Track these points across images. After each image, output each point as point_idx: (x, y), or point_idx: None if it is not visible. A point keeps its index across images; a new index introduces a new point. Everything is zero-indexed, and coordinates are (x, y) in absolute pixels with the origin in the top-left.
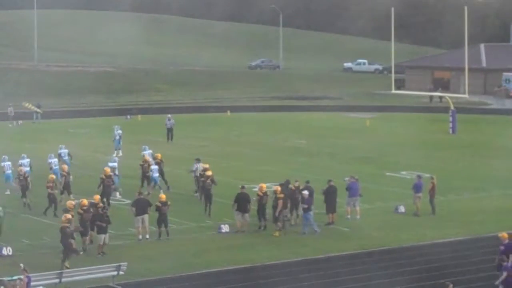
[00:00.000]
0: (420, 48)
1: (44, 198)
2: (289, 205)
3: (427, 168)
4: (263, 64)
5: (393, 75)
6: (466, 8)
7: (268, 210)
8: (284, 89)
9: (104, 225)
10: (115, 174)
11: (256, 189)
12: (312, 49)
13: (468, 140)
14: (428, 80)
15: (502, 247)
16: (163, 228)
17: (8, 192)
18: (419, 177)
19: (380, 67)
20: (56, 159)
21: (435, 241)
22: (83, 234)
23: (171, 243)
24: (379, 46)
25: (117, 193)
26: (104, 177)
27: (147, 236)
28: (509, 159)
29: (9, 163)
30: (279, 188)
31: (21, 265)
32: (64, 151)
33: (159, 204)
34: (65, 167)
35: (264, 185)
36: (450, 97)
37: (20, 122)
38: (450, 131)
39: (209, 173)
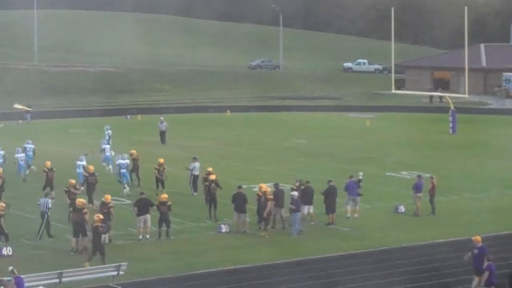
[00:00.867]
0: (420, 48)
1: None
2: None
3: (427, 168)
4: (263, 64)
5: (393, 75)
6: (466, 8)
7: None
8: (284, 89)
9: (110, 223)
10: (124, 170)
11: (256, 189)
12: (312, 49)
13: (468, 140)
14: (428, 80)
15: (475, 251)
16: (163, 228)
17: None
18: (419, 177)
19: (380, 67)
20: (23, 154)
21: (435, 241)
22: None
23: (171, 243)
24: (379, 46)
25: (127, 189)
26: (46, 169)
27: (148, 236)
28: (509, 159)
29: (23, 154)
30: (268, 189)
31: (10, 267)
32: (30, 146)
33: (160, 204)
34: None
35: (263, 185)
36: (450, 97)
37: (20, 122)
38: (450, 131)
39: (212, 177)
